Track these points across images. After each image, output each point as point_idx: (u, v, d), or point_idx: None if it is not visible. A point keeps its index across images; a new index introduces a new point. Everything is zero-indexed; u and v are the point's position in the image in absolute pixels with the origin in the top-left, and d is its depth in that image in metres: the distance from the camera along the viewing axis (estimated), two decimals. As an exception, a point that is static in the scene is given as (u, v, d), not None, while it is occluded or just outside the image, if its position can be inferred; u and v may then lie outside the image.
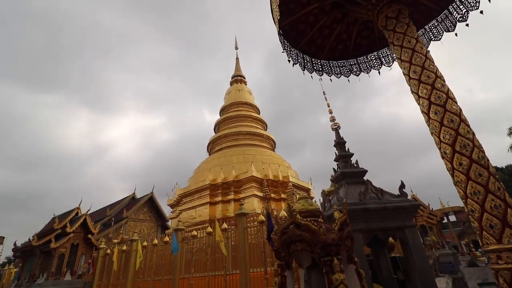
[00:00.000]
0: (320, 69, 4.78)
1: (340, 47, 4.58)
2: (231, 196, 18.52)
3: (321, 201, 4.80)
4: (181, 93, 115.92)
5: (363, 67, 4.63)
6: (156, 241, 9.40)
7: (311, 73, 4.70)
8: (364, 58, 4.65)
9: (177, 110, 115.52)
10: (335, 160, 4.83)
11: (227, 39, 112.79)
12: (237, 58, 33.55)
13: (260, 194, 18.34)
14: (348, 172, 4.44)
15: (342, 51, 4.64)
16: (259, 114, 27.50)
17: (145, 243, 10.32)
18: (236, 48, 34.80)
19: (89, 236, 12.61)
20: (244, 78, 31.16)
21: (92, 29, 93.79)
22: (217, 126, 27.03)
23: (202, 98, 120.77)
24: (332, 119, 5.27)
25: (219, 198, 18.57)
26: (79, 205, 13.72)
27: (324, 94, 5.65)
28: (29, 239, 13.68)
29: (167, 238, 9.08)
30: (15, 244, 13.93)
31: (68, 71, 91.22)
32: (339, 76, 4.71)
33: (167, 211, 32.40)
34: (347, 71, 4.73)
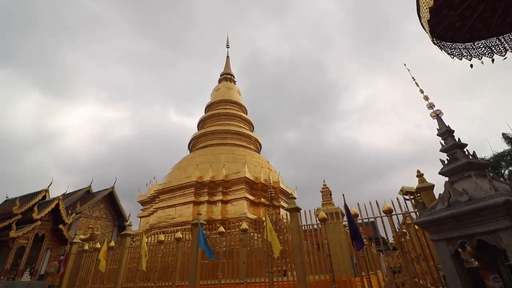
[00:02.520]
0: (459, 53, 4.40)
1: (480, 26, 4.19)
2: (219, 197, 17.06)
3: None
4: (149, 90, 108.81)
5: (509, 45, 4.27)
6: (162, 237, 7.73)
7: (460, 59, 4.35)
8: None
9: (141, 106, 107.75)
10: (446, 150, 4.29)
11: (204, 43, 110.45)
12: (227, 57, 32.57)
13: (251, 197, 17.26)
14: (476, 162, 3.89)
15: (481, 31, 4.26)
16: (247, 114, 26.63)
17: (112, 243, 8.60)
18: (227, 47, 33.89)
19: (61, 226, 9.93)
20: (234, 77, 30.21)
21: (59, 1, 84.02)
22: (202, 123, 25.39)
23: (171, 98, 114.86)
24: (430, 106, 4.75)
25: (205, 198, 16.96)
26: (48, 187, 10.88)
27: (414, 80, 5.18)
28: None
29: (179, 234, 7.49)
30: None
31: (25, 45, 79.46)
32: (481, 57, 4.31)
33: (129, 210, 29.12)
34: (487, 52, 4.33)
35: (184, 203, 17.11)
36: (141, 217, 20.13)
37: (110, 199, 31.00)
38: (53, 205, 9.75)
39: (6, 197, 11.31)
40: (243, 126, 24.73)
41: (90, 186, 32.45)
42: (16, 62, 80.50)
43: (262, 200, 17.67)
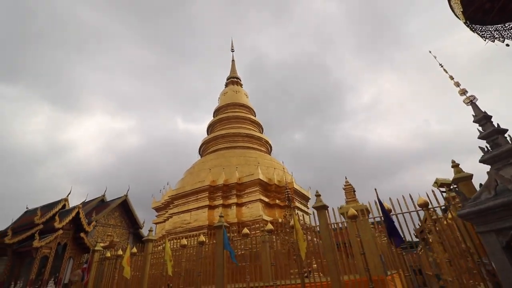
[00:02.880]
0: (490, 35, 4.25)
1: (510, 7, 4.03)
2: (233, 200, 16.93)
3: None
4: (155, 98, 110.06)
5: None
6: (185, 242, 7.63)
7: (492, 41, 4.19)
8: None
9: (148, 116, 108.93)
10: (486, 136, 4.06)
11: (207, 49, 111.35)
12: (233, 60, 32.72)
13: (266, 199, 17.08)
14: (522, 148, 3.65)
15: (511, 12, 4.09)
16: (255, 117, 26.54)
17: (134, 250, 8.54)
18: (232, 51, 34.07)
19: (82, 234, 9.96)
20: (240, 80, 30.25)
21: (65, 18, 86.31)
22: (211, 127, 25.42)
23: (176, 105, 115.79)
24: (463, 92, 4.53)
25: (220, 202, 16.85)
26: (67, 196, 10.96)
27: (442, 66, 4.98)
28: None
29: (202, 238, 7.37)
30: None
31: (33, 61, 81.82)
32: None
33: (140, 218, 29.38)
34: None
35: (199, 208, 17.05)
36: (156, 223, 20.17)
37: (124, 207, 31.17)
38: (73, 214, 9.77)
39: (26, 208, 11.47)
40: (253, 128, 24.65)
41: (104, 195, 32.83)
42: (25, 78, 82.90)
43: (277, 201, 17.47)
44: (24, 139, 77.29)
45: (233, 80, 29.67)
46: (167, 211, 19.22)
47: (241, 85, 29.76)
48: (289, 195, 13.06)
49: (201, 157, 24.50)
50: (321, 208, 5.75)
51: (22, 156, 73.70)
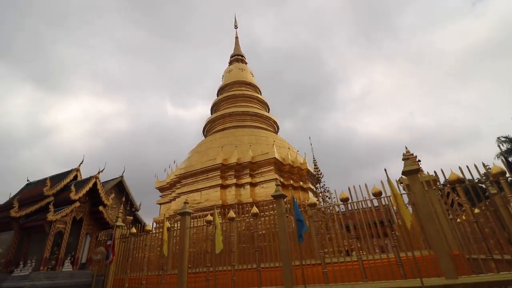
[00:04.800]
0: None
1: None
2: (246, 179, 16.17)
3: None
4: (144, 81, 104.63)
5: None
6: (233, 214, 6.78)
7: None
8: None
9: (137, 98, 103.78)
10: None
11: (202, 32, 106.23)
12: (236, 37, 31.05)
13: (281, 179, 16.42)
14: None
15: None
16: (261, 95, 25.48)
17: (167, 224, 7.64)
18: (236, 27, 32.28)
19: (100, 208, 8.79)
20: (245, 58, 28.82)
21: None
22: (216, 106, 24.17)
23: (166, 90, 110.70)
24: None
25: (233, 181, 16.05)
26: (79, 165, 9.58)
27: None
28: None
29: (255, 209, 6.56)
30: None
31: (14, 36, 75.19)
32: None
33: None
34: None
35: (210, 187, 16.21)
36: (161, 203, 19.22)
37: (119, 188, 29.97)
38: (90, 184, 8.60)
39: (27, 180, 10.13)
40: (260, 107, 23.66)
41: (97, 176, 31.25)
42: (9, 56, 76.63)
43: (291, 182, 16.88)
44: (6, 119, 72.35)
45: (237, 58, 28.19)
46: (174, 191, 18.25)
47: (246, 63, 28.36)
48: (319, 175, 12.36)
49: (205, 137, 23.41)
50: (414, 172, 4.98)
51: (4, 137, 69.26)
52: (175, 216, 16.61)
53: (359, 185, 6.37)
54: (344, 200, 6.21)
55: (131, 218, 24.03)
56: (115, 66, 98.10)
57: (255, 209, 6.55)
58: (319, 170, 13.12)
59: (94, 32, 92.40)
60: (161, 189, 19.63)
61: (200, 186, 16.69)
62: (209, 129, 22.97)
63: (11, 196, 10.28)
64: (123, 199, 24.22)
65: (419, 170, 5.07)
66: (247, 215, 7.19)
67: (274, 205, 14.27)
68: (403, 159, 5.13)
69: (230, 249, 6.27)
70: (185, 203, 8.05)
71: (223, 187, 16.12)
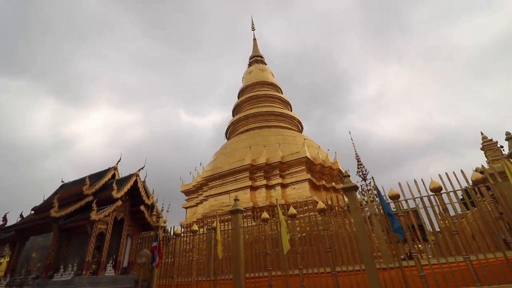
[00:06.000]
0: None
1: None
2: (277, 180, 15.46)
3: None
4: (158, 90, 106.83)
5: None
6: (294, 211, 6.11)
7: None
8: None
9: (152, 108, 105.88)
10: None
11: (213, 40, 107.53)
12: (254, 39, 30.83)
13: (313, 179, 15.60)
14: None
15: None
16: (283, 95, 24.90)
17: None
18: (253, 29, 32.15)
19: (142, 208, 8.32)
20: (264, 59, 28.45)
21: (67, 5, 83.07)
22: (238, 107, 23.77)
23: (180, 99, 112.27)
24: None
25: (263, 182, 15.38)
26: (117, 163, 9.22)
27: None
28: (34, 209, 8.79)
29: (322, 204, 5.84)
30: (4, 218, 8.66)
31: (36, 52, 79.17)
32: None
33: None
34: None
35: (239, 189, 15.58)
36: (186, 207, 18.76)
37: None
38: (131, 182, 8.17)
39: (62, 181, 9.88)
40: (283, 107, 23.05)
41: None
42: (31, 71, 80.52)
43: (323, 182, 16.02)
44: (27, 133, 75.46)
45: (257, 59, 27.87)
46: (201, 194, 17.77)
47: (265, 63, 27.96)
48: (365, 173, 11.49)
49: (227, 139, 22.98)
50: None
51: (28, 149, 72.16)
52: (203, 219, 16.09)
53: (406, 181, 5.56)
54: (394, 198, 5.44)
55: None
56: (132, 77, 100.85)
57: (321, 204, 5.82)
58: (363, 167, 12.17)
59: (111, 45, 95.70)
60: (187, 192, 19.20)
61: (229, 188, 16.11)
62: (232, 131, 22.52)
63: (44, 198, 10.06)
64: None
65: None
66: (311, 212, 6.45)
67: (310, 206, 13.45)
68: (506, 139, 4.32)
69: (294, 250, 5.58)
70: (235, 200, 7.44)
71: (253, 188, 15.47)
